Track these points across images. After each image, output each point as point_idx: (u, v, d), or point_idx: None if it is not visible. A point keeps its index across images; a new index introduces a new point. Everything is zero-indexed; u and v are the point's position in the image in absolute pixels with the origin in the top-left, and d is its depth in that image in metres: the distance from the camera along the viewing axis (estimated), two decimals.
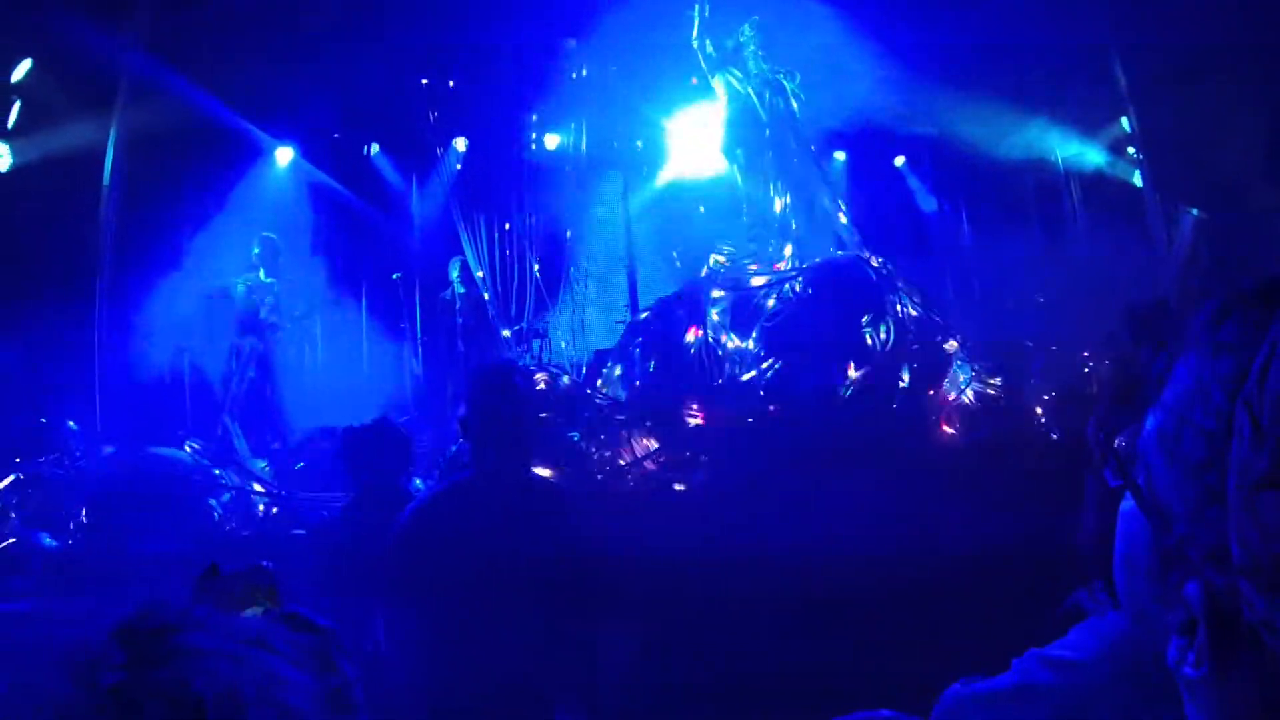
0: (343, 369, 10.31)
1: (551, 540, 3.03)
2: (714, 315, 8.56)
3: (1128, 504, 0.81)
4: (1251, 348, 0.68)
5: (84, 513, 6.92)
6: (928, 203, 13.77)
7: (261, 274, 10.41)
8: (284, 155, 12.27)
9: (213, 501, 7.07)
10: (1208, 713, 0.73)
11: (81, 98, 10.70)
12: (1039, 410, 8.41)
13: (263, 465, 8.18)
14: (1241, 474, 0.65)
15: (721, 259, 9.22)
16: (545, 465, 7.16)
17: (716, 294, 8.70)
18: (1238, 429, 0.67)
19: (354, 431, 4.24)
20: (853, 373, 8.12)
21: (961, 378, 8.83)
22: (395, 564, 3.04)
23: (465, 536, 2.96)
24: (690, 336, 8.46)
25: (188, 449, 7.81)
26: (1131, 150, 13.65)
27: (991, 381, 8.93)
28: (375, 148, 12.71)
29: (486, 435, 3.18)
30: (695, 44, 9.43)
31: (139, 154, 11.12)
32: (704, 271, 9.13)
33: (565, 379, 8.66)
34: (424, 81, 11.47)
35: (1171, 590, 0.73)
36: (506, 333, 10.52)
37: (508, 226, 11.00)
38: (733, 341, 8.42)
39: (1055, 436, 7.56)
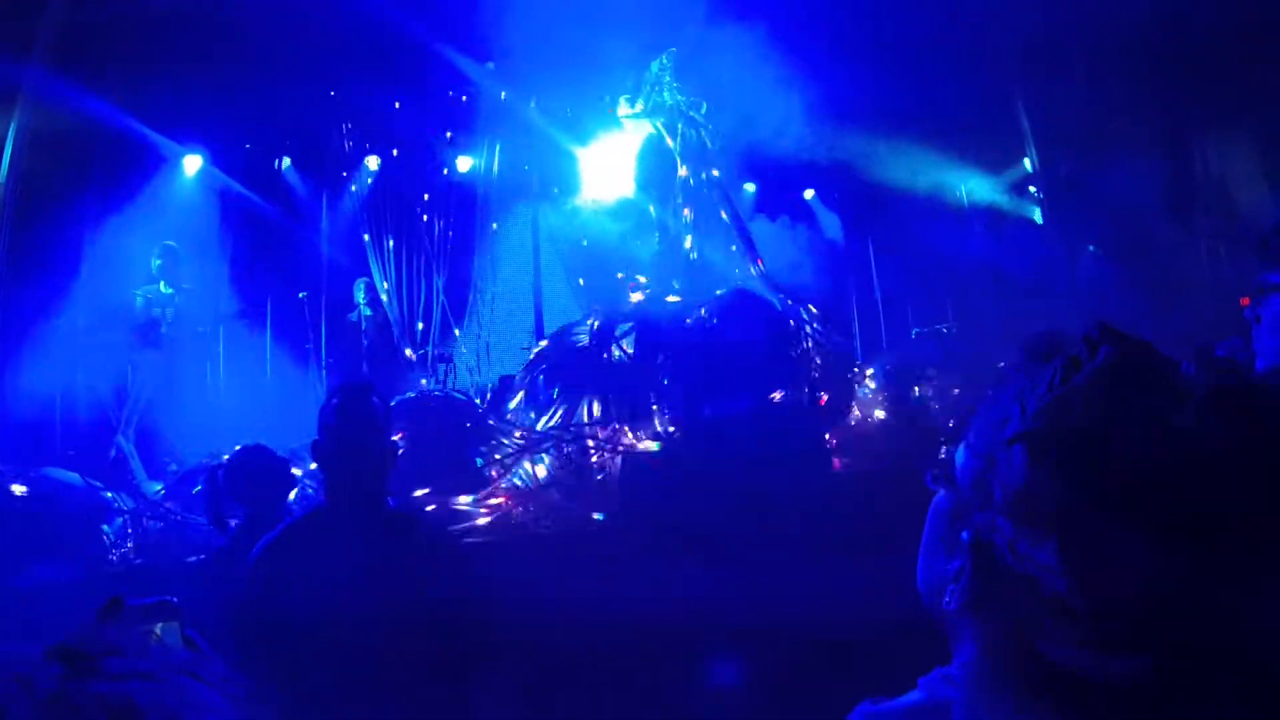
0: (245, 388, 10.06)
1: (413, 577, 2.80)
2: (620, 343, 8.62)
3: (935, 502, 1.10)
4: (1030, 375, 0.99)
5: None
6: (836, 234, 14.03)
7: (162, 285, 10.12)
8: (192, 163, 11.98)
9: (105, 527, 6.87)
10: (968, 639, 1.02)
11: None
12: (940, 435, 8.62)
13: (158, 488, 7.95)
14: (1003, 436, 0.96)
15: (630, 289, 9.27)
16: (447, 491, 7.14)
17: (623, 322, 8.75)
18: (1010, 416, 0.97)
19: (231, 461, 4.15)
20: (759, 400, 8.23)
21: (868, 403, 9.03)
22: (245, 608, 2.79)
23: (317, 575, 2.71)
24: (596, 363, 8.49)
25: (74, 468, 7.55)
26: (1033, 189, 14.16)
27: (896, 408, 9.16)
28: (287, 161, 12.51)
29: (340, 462, 2.93)
30: (640, 102, 9.55)
31: (38, 156, 10.80)
32: (611, 298, 9.18)
33: (469, 404, 8.63)
34: (331, 94, 11.33)
35: (953, 541, 1.01)
36: (410, 353, 10.43)
37: (416, 244, 10.93)
38: (638, 369, 8.48)
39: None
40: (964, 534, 0.99)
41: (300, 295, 11.23)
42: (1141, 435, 0.88)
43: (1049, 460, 0.91)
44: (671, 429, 8.02)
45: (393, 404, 8.12)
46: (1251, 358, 2.46)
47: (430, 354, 10.42)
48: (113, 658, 0.84)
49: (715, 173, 9.99)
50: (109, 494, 7.26)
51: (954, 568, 1.01)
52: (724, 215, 9.86)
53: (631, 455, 7.72)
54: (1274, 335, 2.40)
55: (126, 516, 7.03)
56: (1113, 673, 0.87)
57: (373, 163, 11.90)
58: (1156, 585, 0.85)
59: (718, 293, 8.97)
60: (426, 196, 11.27)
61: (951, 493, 1.06)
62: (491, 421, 8.34)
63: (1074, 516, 0.89)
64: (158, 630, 1.03)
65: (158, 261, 10.17)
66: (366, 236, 10.82)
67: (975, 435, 1.03)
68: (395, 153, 11.69)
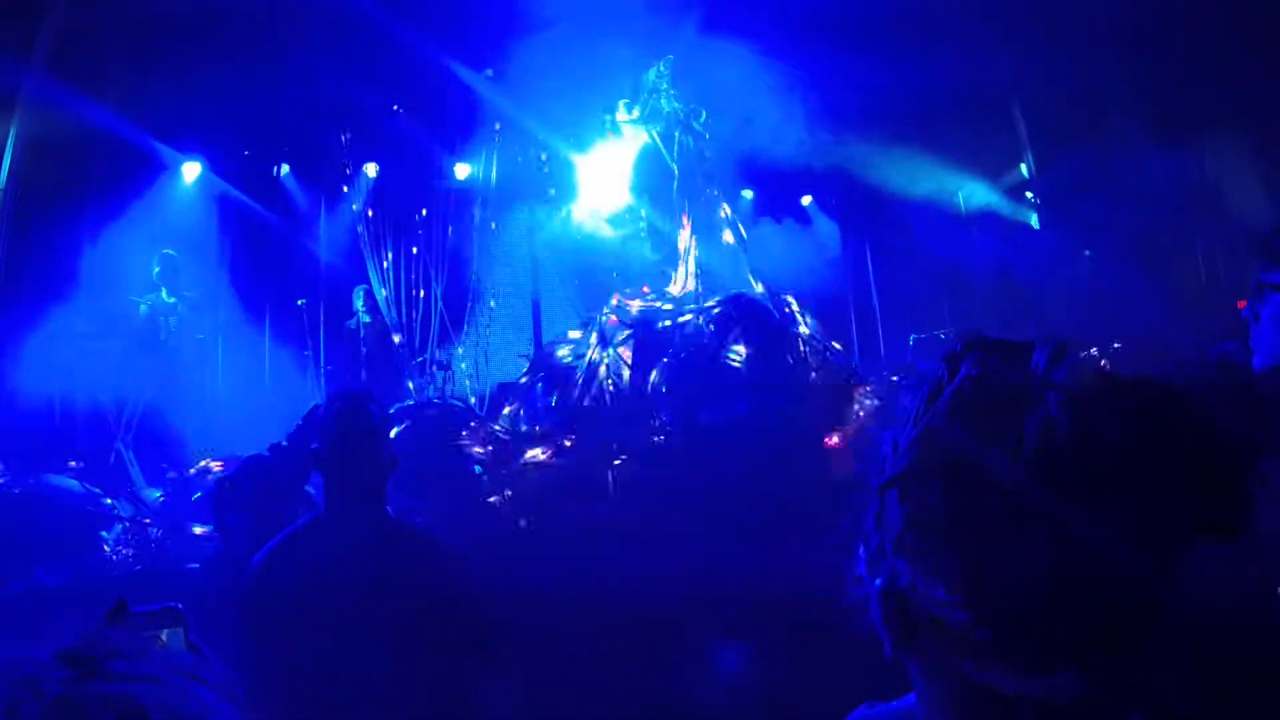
0: (244, 395, 10.05)
1: (412, 583, 2.79)
2: (617, 350, 8.62)
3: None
4: (904, 408, 0.98)
5: None
6: (833, 240, 14.03)
7: (163, 293, 10.14)
8: (191, 170, 11.99)
9: (104, 533, 6.87)
10: (913, 671, 1.00)
11: None
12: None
13: (157, 495, 7.94)
14: (883, 479, 0.95)
15: (628, 297, 9.28)
16: (444, 497, 7.15)
17: (621, 329, 8.76)
18: (886, 457, 0.97)
19: (236, 470, 4.13)
20: (755, 406, 8.24)
21: (863, 411, 9.02)
22: (247, 614, 2.78)
23: (317, 582, 2.70)
24: (593, 371, 8.50)
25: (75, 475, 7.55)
26: (1029, 194, 14.20)
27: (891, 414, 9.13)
28: (285, 169, 12.52)
29: (338, 471, 2.91)
30: (637, 109, 9.58)
31: (38, 162, 10.81)
32: (609, 306, 9.19)
33: (467, 411, 8.64)
34: (330, 101, 11.35)
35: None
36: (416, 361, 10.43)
37: (415, 252, 10.94)
38: (635, 376, 8.49)
39: None
40: (877, 580, 0.98)
41: (299, 302, 11.24)
42: (1001, 452, 0.87)
43: (922, 500, 0.91)
44: (668, 435, 8.04)
45: (391, 411, 8.16)
46: (1249, 357, 2.47)
47: (429, 361, 10.40)
48: (117, 660, 0.86)
49: (713, 182, 10.01)
50: (108, 500, 7.26)
51: (878, 615, 0.99)
52: (722, 221, 9.88)
53: (626, 461, 7.73)
54: (1275, 332, 2.41)
55: (126, 523, 7.03)
56: (1039, 690, 0.87)
57: (371, 170, 11.91)
58: (1051, 600, 0.84)
59: (715, 299, 8.99)
60: (424, 206, 11.27)
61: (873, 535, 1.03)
62: (490, 426, 8.34)
63: (956, 549, 0.88)
64: (162, 635, 1.04)
65: (157, 269, 10.19)
66: (365, 244, 10.82)
67: (870, 477, 1.01)
68: (394, 159, 11.69)
